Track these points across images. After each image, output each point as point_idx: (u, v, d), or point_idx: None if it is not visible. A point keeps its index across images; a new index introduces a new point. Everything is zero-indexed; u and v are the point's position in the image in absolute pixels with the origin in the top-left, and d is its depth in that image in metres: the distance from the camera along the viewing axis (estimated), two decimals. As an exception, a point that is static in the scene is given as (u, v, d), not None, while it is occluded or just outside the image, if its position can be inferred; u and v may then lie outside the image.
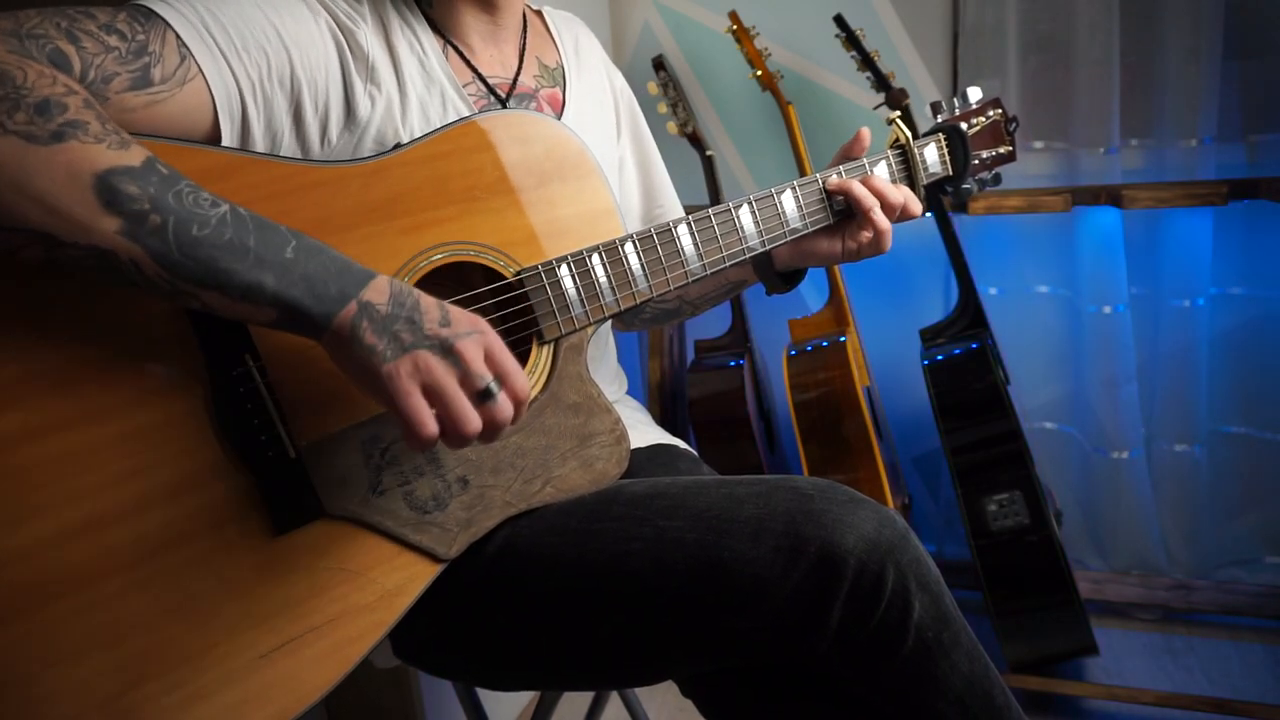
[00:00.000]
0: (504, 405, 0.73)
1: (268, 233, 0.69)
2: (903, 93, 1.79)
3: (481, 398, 0.72)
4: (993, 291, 2.01)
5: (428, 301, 0.73)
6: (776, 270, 1.09)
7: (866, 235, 1.00)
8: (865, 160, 1.04)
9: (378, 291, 0.71)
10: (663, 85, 1.97)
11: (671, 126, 1.96)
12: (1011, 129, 1.17)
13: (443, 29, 0.97)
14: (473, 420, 0.71)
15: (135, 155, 0.66)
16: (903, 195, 1.01)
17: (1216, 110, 1.80)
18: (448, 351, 0.71)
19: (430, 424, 0.70)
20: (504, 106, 0.98)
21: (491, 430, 0.73)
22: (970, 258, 1.80)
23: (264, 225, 0.69)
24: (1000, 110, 1.16)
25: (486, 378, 0.72)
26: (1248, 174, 1.82)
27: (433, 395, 0.71)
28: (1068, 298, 1.99)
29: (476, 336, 0.73)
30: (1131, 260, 1.90)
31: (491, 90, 0.98)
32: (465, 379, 0.71)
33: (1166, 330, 1.92)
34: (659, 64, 1.97)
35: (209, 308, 0.69)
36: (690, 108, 1.98)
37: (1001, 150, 1.17)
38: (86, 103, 0.66)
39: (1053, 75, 1.92)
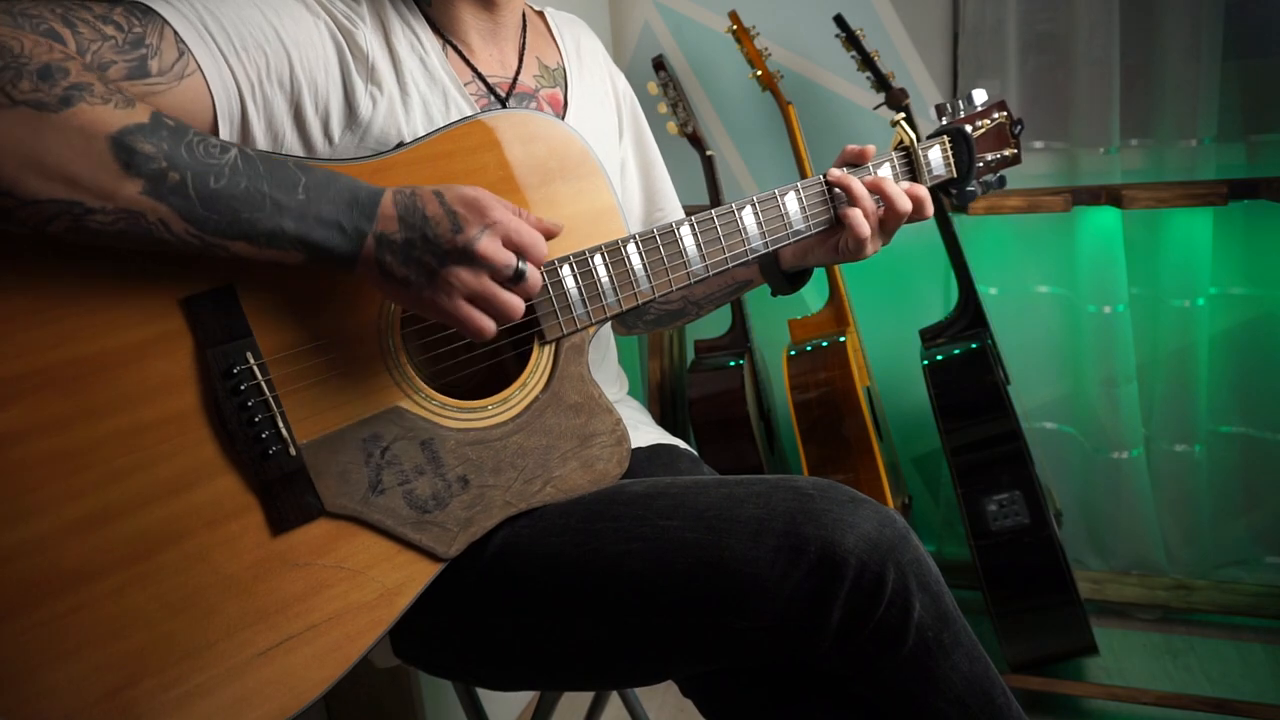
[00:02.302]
0: (534, 277, 0.80)
1: (279, 174, 0.71)
2: (903, 93, 1.79)
3: (514, 280, 0.78)
4: (993, 291, 2.01)
5: (434, 209, 0.75)
6: (782, 271, 1.09)
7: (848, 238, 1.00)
8: (870, 164, 1.03)
9: (387, 220, 0.74)
10: (663, 85, 1.97)
11: (671, 126, 1.96)
12: (1017, 131, 1.16)
13: (442, 28, 0.96)
14: (515, 305, 0.79)
15: (141, 111, 0.67)
16: (909, 201, 0.99)
17: (1216, 110, 1.80)
18: (471, 259, 0.76)
19: (486, 323, 0.78)
20: (504, 106, 0.98)
21: (530, 297, 0.81)
22: (970, 258, 1.80)
23: (274, 166, 0.71)
24: (1006, 113, 1.15)
25: (512, 263, 0.77)
26: (1248, 174, 1.82)
27: (474, 299, 0.77)
28: (1068, 298, 1.99)
29: (489, 230, 0.76)
30: (1131, 260, 1.90)
31: (491, 89, 0.98)
32: (495, 273, 0.77)
33: (1166, 330, 1.92)
34: (659, 64, 1.97)
35: (241, 257, 0.72)
36: (690, 108, 1.98)
37: (1006, 153, 1.16)
38: (86, 66, 0.67)
39: (1053, 75, 1.92)
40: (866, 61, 1.81)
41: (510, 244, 0.78)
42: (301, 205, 0.71)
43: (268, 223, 0.70)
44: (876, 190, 0.99)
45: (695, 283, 0.95)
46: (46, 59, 0.64)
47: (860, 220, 0.97)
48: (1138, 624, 2.01)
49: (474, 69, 0.98)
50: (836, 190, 1.00)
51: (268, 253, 0.72)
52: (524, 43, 1.04)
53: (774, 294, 1.11)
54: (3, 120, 0.62)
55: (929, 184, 1.08)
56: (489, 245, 0.76)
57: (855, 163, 1.03)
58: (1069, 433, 2.06)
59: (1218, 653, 1.90)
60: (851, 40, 1.82)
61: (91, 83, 0.66)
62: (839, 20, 1.82)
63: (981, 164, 1.13)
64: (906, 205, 0.99)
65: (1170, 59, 1.80)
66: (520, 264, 0.78)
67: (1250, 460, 1.97)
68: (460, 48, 0.97)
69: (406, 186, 0.76)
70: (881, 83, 1.80)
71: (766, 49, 1.94)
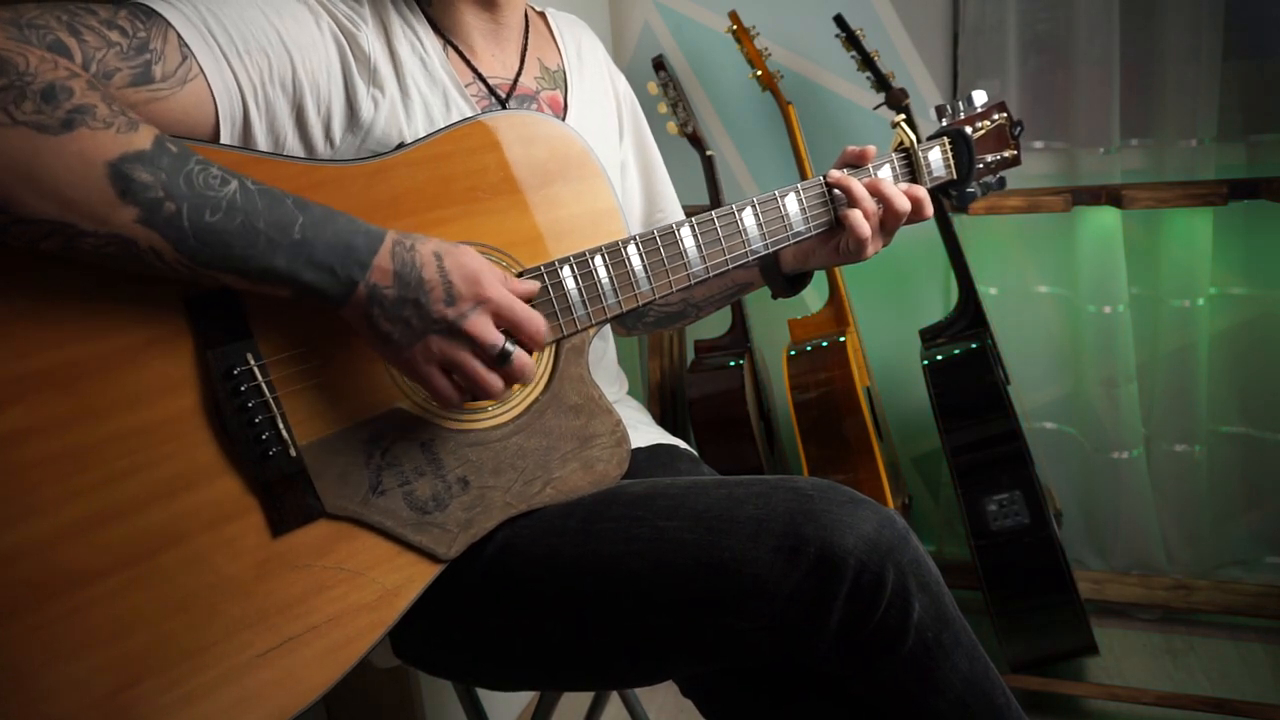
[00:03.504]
0: (522, 360, 0.79)
1: (276, 212, 0.71)
2: (903, 92, 1.79)
3: (499, 361, 0.78)
4: (993, 291, 2.01)
5: (430, 274, 0.75)
6: (783, 273, 1.09)
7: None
8: (870, 165, 1.03)
9: (382, 273, 0.74)
10: (663, 85, 1.97)
11: (671, 126, 1.96)
12: (1017, 133, 1.16)
13: (443, 29, 0.96)
14: (493, 384, 0.78)
15: (144, 136, 0.67)
16: (908, 202, 0.99)
17: (1216, 110, 1.79)
18: (456, 333, 0.76)
19: (453, 395, 0.78)
20: (504, 108, 0.98)
21: (517, 381, 0.80)
22: (970, 258, 1.80)
23: (272, 204, 0.71)
24: (1005, 114, 1.16)
25: (498, 344, 0.77)
26: (1248, 174, 1.82)
27: (451, 370, 0.77)
28: (1068, 298, 1.99)
29: (481, 309, 0.76)
30: (1131, 260, 1.90)
31: (492, 91, 0.98)
32: (479, 351, 0.77)
33: (1166, 330, 1.92)
34: (659, 64, 1.97)
35: (231, 288, 0.73)
36: (690, 108, 1.98)
37: (1006, 154, 1.16)
38: (90, 84, 0.67)
39: (1053, 75, 1.92)
40: (866, 61, 1.81)
41: (502, 322, 0.78)
42: (295, 246, 0.71)
43: (260, 260, 0.70)
44: (875, 192, 0.99)
45: (695, 284, 0.95)
46: (51, 77, 0.64)
47: (860, 221, 0.98)
48: (1138, 624, 2.02)
49: (475, 70, 0.97)
50: (836, 191, 1.00)
51: (258, 287, 0.72)
52: (526, 44, 1.04)
53: (775, 296, 1.12)
54: (2, 139, 0.62)
55: (929, 185, 1.08)
56: (477, 323, 0.76)
57: (855, 164, 1.03)
58: (1069, 433, 2.06)
59: (1218, 653, 1.90)
60: (851, 40, 1.82)
61: (95, 105, 0.66)
62: (839, 20, 1.82)
63: (981, 165, 1.13)
64: (905, 206, 0.99)
65: (1170, 59, 1.80)
66: (507, 345, 0.77)
67: (1250, 460, 1.97)
68: (461, 49, 0.97)
69: (408, 238, 0.76)
70: (881, 83, 1.80)
71: (766, 49, 1.94)
